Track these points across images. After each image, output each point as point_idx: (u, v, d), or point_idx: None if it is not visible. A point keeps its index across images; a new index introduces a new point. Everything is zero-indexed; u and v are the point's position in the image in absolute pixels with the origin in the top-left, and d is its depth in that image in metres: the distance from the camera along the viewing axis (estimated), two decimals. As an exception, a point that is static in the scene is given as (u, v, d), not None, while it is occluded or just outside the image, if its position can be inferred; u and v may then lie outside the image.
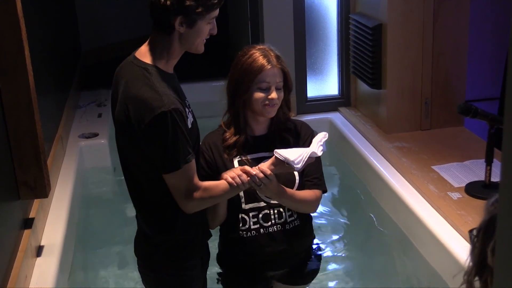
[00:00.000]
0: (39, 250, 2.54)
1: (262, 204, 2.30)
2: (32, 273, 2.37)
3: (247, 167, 2.10)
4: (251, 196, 2.28)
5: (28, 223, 2.48)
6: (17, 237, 2.34)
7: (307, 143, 2.26)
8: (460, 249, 2.42)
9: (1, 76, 2.27)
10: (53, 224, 2.79)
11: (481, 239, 1.34)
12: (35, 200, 2.62)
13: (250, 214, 2.29)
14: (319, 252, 2.57)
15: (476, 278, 1.36)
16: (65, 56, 4.58)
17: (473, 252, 1.38)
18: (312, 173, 2.33)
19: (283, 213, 2.30)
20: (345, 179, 3.68)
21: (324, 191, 2.35)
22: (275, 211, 2.30)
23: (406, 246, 2.87)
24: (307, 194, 2.30)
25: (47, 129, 2.98)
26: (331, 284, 2.78)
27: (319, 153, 2.12)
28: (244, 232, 2.30)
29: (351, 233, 3.21)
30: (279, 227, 2.30)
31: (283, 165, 2.09)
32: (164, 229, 2.10)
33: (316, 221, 3.25)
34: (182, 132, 1.95)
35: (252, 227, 2.29)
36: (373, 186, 3.32)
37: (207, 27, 2.04)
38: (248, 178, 2.08)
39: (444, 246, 2.53)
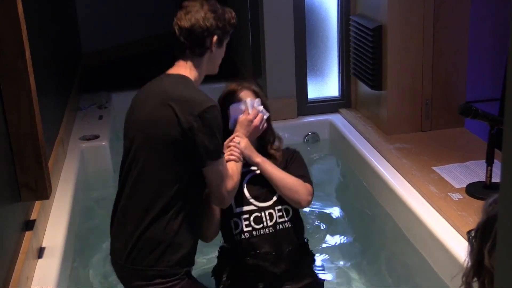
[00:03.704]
0: (40, 252, 2.55)
1: (252, 207, 2.42)
2: (33, 274, 2.38)
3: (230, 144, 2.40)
4: (241, 200, 2.40)
5: (29, 225, 2.49)
6: (19, 239, 2.34)
7: (290, 162, 2.53)
8: (461, 250, 2.42)
9: (2, 78, 2.27)
10: (55, 226, 2.79)
11: (478, 240, 1.34)
12: (36, 202, 2.63)
13: (242, 217, 2.39)
14: (321, 271, 2.63)
15: (475, 279, 1.37)
16: (66, 58, 4.58)
17: (471, 253, 1.38)
18: (296, 173, 2.47)
19: (274, 214, 2.40)
20: (345, 180, 3.69)
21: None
22: (266, 213, 2.41)
23: (407, 247, 2.87)
24: (294, 178, 2.44)
25: (48, 131, 2.99)
26: (331, 285, 2.78)
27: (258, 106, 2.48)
28: (237, 236, 2.39)
29: (352, 234, 3.21)
30: (271, 229, 2.40)
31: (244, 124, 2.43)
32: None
33: (316, 222, 3.25)
34: (222, 126, 2.20)
35: (245, 229, 2.39)
36: (374, 187, 3.32)
37: (225, 47, 2.34)
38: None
39: (445, 246, 2.53)
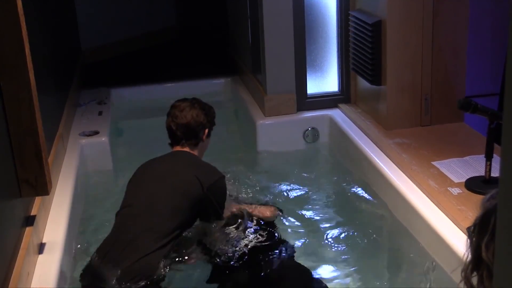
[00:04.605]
0: (40, 248, 2.55)
1: None
2: (34, 270, 2.38)
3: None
4: None
5: (29, 221, 2.49)
6: (19, 234, 2.35)
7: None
8: (461, 244, 2.42)
9: (2, 74, 2.27)
10: (55, 222, 2.80)
11: (476, 234, 1.35)
12: (37, 197, 2.63)
13: None
14: None
15: (474, 273, 1.37)
16: (65, 54, 4.58)
17: (470, 248, 1.39)
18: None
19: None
20: (345, 176, 3.69)
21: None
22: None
23: (406, 242, 2.88)
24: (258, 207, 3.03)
25: (47, 127, 2.99)
26: (331, 281, 2.79)
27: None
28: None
29: (351, 229, 3.21)
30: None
31: None
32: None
33: (315, 217, 3.25)
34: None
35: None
36: (374, 182, 3.33)
37: None
38: None
39: (444, 241, 2.54)
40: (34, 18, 3.16)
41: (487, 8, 4.00)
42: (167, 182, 2.66)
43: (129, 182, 2.81)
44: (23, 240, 2.34)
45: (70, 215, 2.91)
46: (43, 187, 2.43)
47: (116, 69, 5.75)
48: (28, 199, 2.53)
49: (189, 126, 2.75)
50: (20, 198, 2.43)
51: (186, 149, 2.79)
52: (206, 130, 2.80)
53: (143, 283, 2.44)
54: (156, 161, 2.80)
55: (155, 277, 2.47)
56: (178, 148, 2.79)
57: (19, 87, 2.30)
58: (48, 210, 2.86)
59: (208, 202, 2.65)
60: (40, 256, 2.50)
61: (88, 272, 2.55)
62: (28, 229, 2.43)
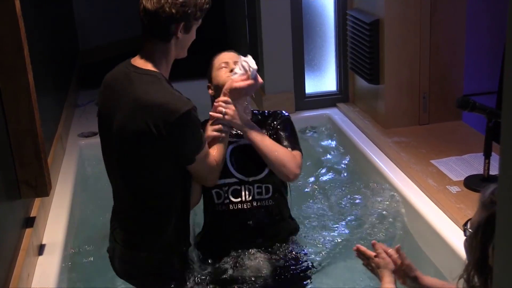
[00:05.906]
0: (40, 249, 2.55)
1: (234, 179, 2.45)
2: (34, 271, 2.39)
3: (211, 112, 2.36)
4: (224, 171, 2.42)
5: (29, 222, 2.49)
6: (19, 236, 2.35)
7: (280, 128, 2.52)
8: (460, 243, 2.42)
9: (1, 75, 2.27)
10: (54, 223, 2.80)
11: (480, 238, 1.32)
12: (36, 199, 2.63)
13: (223, 189, 2.45)
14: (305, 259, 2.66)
15: (475, 276, 1.35)
16: (64, 55, 4.58)
17: (470, 250, 1.35)
18: (285, 141, 2.49)
19: (252, 190, 2.45)
20: (344, 175, 3.69)
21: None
22: (246, 187, 2.45)
23: (405, 240, 2.88)
24: (282, 149, 2.43)
25: (46, 128, 2.99)
26: (328, 279, 2.79)
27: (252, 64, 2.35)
28: (219, 206, 2.46)
29: (349, 228, 3.21)
30: (248, 205, 2.46)
31: (235, 92, 2.34)
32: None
33: (313, 215, 3.25)
34: (199, 123, 2.19)
35: (225, 201, 2.45)
36: (372, 181, 3.33)
37: (195, 32, 2.23)
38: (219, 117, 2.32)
39: (443, 239, 2.54)
40: (32, 19, 3.16)
41: (485, 6, 4.00)
42: (124, 149, 2.16)
43: (99, 120, 2.31)
44: (23, 242, 2.34)
45: (70, 216, 2.91)
46: (42, 188, 2.44)
47: (114, 69, 5.74)
48: (28, 200, 2.53)
49: (157, 16, 2.10)
50: (20, 200, 2.43)
51: (154, 50, 2.18)
52: (181, 24, 2.11)
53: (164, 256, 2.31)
54: (113, 101, 2.19)
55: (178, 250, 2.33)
56: (146, 48, 2.21)
57: (18, 88, 2.30)
58: (47, 211, 2.86)
59: (174, 147, 2.13)
60: (40, 257, 2.50)
61: (114, 260, 2.41)
62: (28, 230, 2.43)
